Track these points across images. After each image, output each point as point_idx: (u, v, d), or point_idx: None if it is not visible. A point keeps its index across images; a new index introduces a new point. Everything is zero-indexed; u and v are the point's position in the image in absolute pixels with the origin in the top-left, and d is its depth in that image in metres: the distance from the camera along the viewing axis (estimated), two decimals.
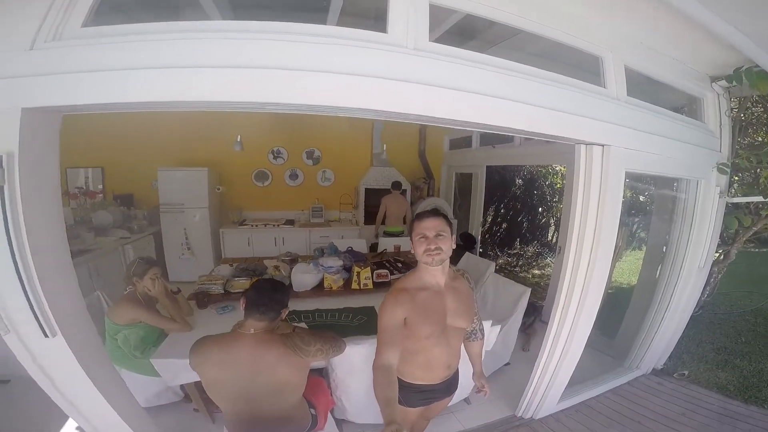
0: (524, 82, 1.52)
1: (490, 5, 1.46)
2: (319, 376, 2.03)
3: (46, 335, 1.20)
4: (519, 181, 7.14)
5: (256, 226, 5.14)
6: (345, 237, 5.06)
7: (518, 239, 7.19)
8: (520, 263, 6.70)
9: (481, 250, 6.03)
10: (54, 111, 1.20)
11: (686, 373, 2.90)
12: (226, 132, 5.12)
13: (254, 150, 5.38)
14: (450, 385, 1.56)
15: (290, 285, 2.66)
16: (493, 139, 5.08)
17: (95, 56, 1.11)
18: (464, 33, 2.12)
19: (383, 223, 4.96)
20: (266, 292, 1.49)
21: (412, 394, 1.48)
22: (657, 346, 2.82)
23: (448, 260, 1.43)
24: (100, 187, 5.12)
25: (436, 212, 1.42)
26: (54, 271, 1.26)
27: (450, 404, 1.83)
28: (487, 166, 5.45)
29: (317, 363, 1.81)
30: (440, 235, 1.37)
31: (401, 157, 5.78)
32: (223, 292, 2.64)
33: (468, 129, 4.16)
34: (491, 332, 2.17)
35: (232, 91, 1.16)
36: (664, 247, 2.82)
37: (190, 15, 1.52)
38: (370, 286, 2.90)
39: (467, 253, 3.83)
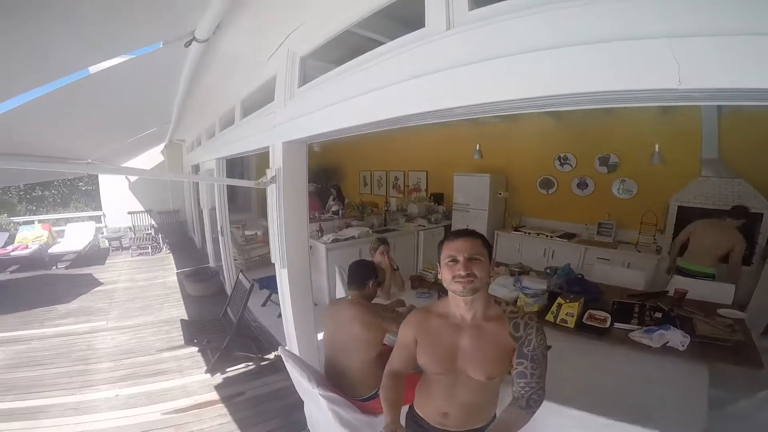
0: None
1: None
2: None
3: (282, 267, 2.28)
4: None
5: (529, 233, 5.29)
6: (632, 265, 4.28)
7: None
8: None
9: None
10: (301, 142, 2.21)
11: None
12: (511, 140, 5.59)
13: (540, 156, 5.56)
14: None
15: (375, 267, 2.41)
16: None
17: (310, 105, 1.98)
18: None
19: (680, 254, 3.69)
20: (352, 269, 2.14)
21: (409, 420, 1.48)
22: None
23: (485, 293, 1.28)
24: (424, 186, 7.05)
25: (471, 232, 1.30)
26: (294, 237, 2.45)
27: None
28: None
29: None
30: (474, 259, 1.21)
31: (761, 163, 3.92)
32: (434, 281, 3.20)
33: None
34: None
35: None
36: None
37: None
38: (571, 325, 2.48)
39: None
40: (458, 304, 1.28)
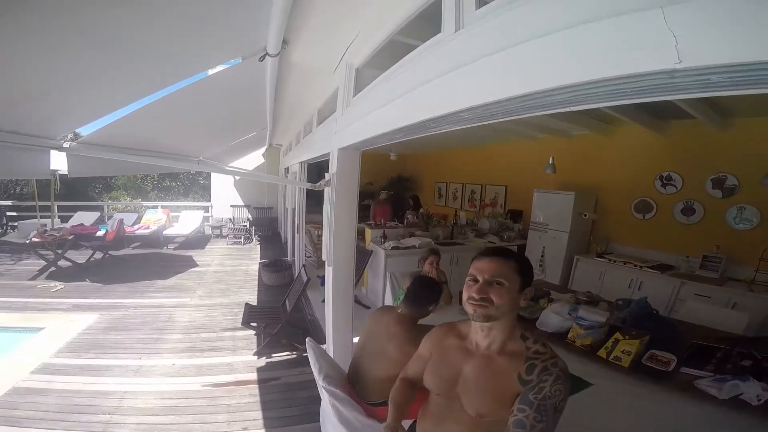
0: None
1: None
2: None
3: (329, 265, 2.44)
4: None
5: (614, 261, 4.76)
6: (740, 306, 3.63)
7: None
8: None
9: None
10: (353, 148, 2.35)
11: None
12: (604, 155, 5.11)
13: (638, 175, 4.99)
14: None
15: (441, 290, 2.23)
16: None
17: (360, 113, 2.12)
18: None
19: None
20: (417, 286, 1.99)
21: None
22: None
23: (508, 323, 1.15)
24: (502, 201, 6.82)
25: (503, 251, 1.18)
26: (342, 238, 2.60)
27: None
28: None
29: None
30: (496, 283, 1.10)
31: None
32: None
33: None
34: None
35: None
36: None
37: None
38: (625, 364, 2.20)
39: None
40: (476, 329, 1.19)
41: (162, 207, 9.49)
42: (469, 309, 1.13)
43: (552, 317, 2.75)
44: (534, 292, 1.20)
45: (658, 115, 4.53)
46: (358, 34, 2.31)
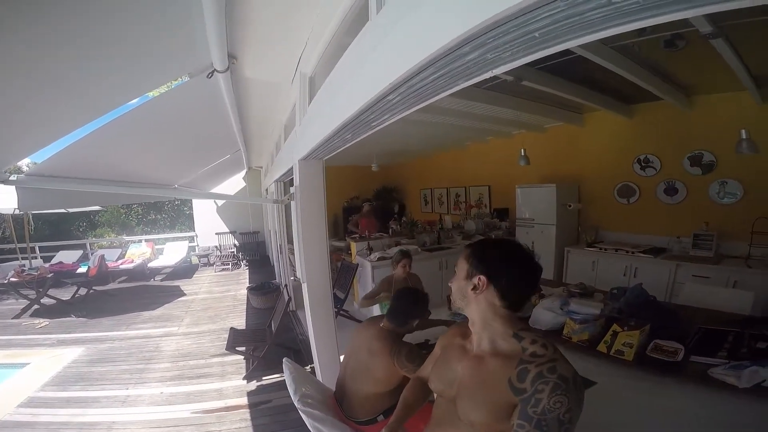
0: None
1: None
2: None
3: (303, 281, 2.36)
4: None
5: (605, 250, 4.71)
6: (741, 284, 3.56)
7: None
8: None
9: None
10: (313, 158, 2.31)
11: None
12: (580, 144, 5.12)
13: (616, 161, 5.02)
14: None
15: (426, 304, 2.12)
16: None
17: (313, 119, 2.05)
18: None
19: None
20: (400, 299, 1.91)
21: None
22: None
23: (493, 321, 1.07)
24: (486, 202, 6.78)
25: (469, 244, 1.17)
26: (313, 252, 2.51)
27: None
28: None
29: None
30: (454, 272, 1.14)
31: None
32: None
33: None
34: None
35: None
36: None
37: None
38: (629, 357, 2.08)
39: None
40: (470, 327, 1.14)
41: (146, 240, 9.38)
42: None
43: (544, 314, 2.64)
44: None
45: (625, 99, 4.59)
46: (306, 42, 2.28)
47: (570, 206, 5.28)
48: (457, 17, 0.78)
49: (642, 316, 2.43)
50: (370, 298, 3.19)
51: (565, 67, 3.30)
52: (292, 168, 2.89)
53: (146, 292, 7.14)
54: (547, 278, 5.03)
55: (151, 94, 2.49)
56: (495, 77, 0.97)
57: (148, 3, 1.49)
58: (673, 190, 4.54)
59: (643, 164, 4.75)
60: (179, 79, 2.39)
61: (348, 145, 2.14)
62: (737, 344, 2.06)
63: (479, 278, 1.05)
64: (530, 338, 1.03)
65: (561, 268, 5.19)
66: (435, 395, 1.29)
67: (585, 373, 1.99)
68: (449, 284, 1.14)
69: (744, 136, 3.27)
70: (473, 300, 1.07)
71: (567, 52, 2.28)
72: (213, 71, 2.30)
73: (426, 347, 2.32)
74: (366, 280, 4.66)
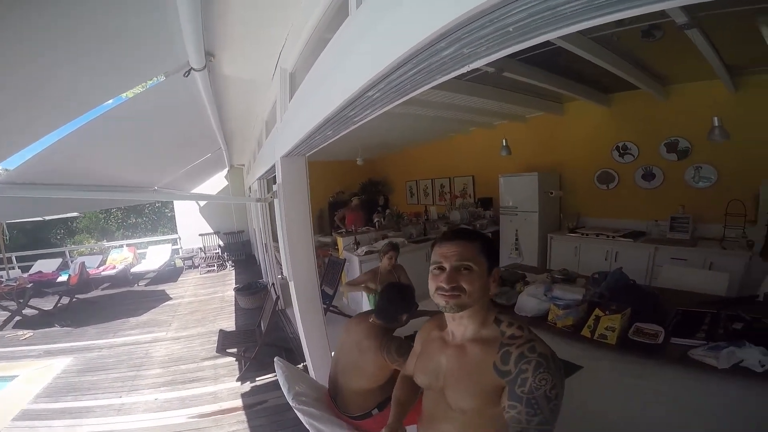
0: None
1: None
2: None
3: (290, 279, 2.33)
4: None
5: (587, 235, 4.82)
6: (717, 265, 3.69)
7: None
8: None
9: None
10: (296, 154, 2.27)
11: None
12: (560, 133, 5.20)
13: (595, 148, 5.13)
14: None
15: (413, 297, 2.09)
16: None
17: (295, 115, 2.03)
18: None
19: None
20: (389, 294, 1.91)
21: None
22: None
23: (480, 309, 1.06)
24: (471, 192, 6.84)
25: (466, 233, 1.08)
26: (298, 250, 2.48)
27: None
28: None
29: None
30: (464, 269, 1.02)
31: None
32: None
33: None
34: None
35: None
36: None
37: None
38: (612, 341, 2.14)
39: None
40: (449, 319, 1.11)
41: (127, 245, 9.15)
42: (439, 301, 1.04)
43: (529, 300, 2.69)
44: (509, 276, 1.15)
45: (604, 89, 4.68)
46: (287, 37, 2.24)
47: (552, 194, 5.38)
48: (434, 12, 0.78)
49: (623, 300, 2.46)
50: (354, 285, 3.27)
51: (546, 58, 3.34)
52: (274, 165, 2.85)
53: (131, 297, 6.97)
54: (531, 265, 5.14)
55: (125, 95, 2.41)
56: (476, 69, 0.97)
57: (120, 1, 1.44)
58: (650, 175, 4.66)
59: (621, 151, 4.87)
60: (154, 78, 2.33)
61: (329, 142, 2.13)
62: (714, 325, 2.13)
63: (496, 270, 1.07)
64: (507, 321, 1.06)
65: (544, 255, 5.30)
66: (423, 390, 1.28)
67: (570, 357, 2.06)
68: (460, 285, 1.01)
69: (716, 124, 3.38)
70: (487, 294, 1.06)
71: (547, 43, 2.32)
72: (190, 70, 2.25)
73: (413, 339, 2.35)
74: (354, 275, 4.65)
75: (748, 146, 3.75)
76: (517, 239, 5.52)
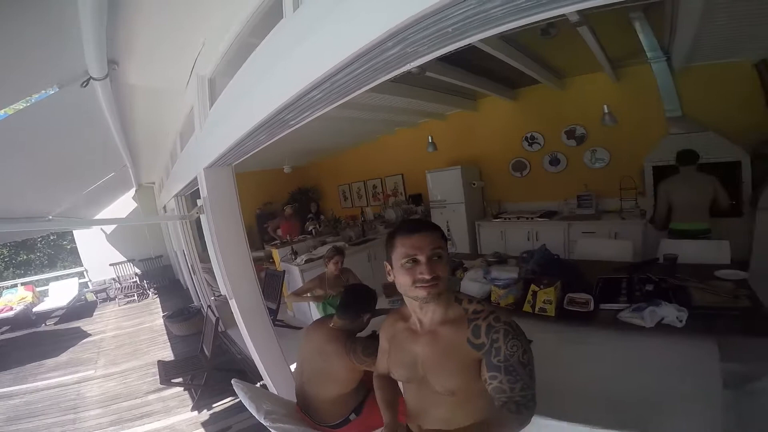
0: None
1: None
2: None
3: (230, 297, 2.20)
4: None
5: (509, 219, 5.22)
6: (620, 234, 4.23)
7: None
8: None
9: None
10: (221, 165, 2.15)
11: None
12: (476, 129, 5.59)
13: (508, 140, 5.59)
14: None
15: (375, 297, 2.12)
16: None
17: (217, 123, 1.92)
18: None
19: (668, 217, 3.60)
20: (349, 295, 1.87)
21: None
22: None
23: (445, 293, 1.09)
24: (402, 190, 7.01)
25: (429, 225, 1.11)
26: (235, 265, 2.35)
27: None
28: None
29: None
30: (436, 257, 1.04)
31: (726, 114, 3.88)
32: None
33: None
34: None
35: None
36: None
37: None
38: (551, 313, 2.28)
39: None
40: (414, 308, 1.14)
41: (23, 284, 7.84)
42: (419, 293, 1.04)
43: (471, 285, 2.78)
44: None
45: (511, 84, 5.10)
46: (204, 43, 2.08)
47: (474, 184, 5.75)
48: (383, 13, 0.80)
49: (552, 274, 2.63)
50: (299, 294, 3.14)
51: (461, 57, 3.54)
52: (195, 178, 2.64)
53: (39, 339, 6.10)
54: (464, 252, 5.44)
55: (3, 112, 2.05)
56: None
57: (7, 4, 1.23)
58: (556, 161, 5.21)
59: (530, 141, 5.37)
60: (44, 91, 2.02)
61: (261, 148, 2.03)
62: (631, 289, 2.36)
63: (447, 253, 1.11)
64: (466, 298, 1.13)
65: (475, 242, 5.64)
66: (402, 386, 1.29)
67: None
68: (439, 275, 1.04)
69: (606, 111, 3.89)
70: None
71: None
72: (88, 79, 2.00)
73: (377, 338, 2.34)
74: (296, 286, 4.50)
75: (631, 129, 4.39)
76: (449, 230, 5.77)
